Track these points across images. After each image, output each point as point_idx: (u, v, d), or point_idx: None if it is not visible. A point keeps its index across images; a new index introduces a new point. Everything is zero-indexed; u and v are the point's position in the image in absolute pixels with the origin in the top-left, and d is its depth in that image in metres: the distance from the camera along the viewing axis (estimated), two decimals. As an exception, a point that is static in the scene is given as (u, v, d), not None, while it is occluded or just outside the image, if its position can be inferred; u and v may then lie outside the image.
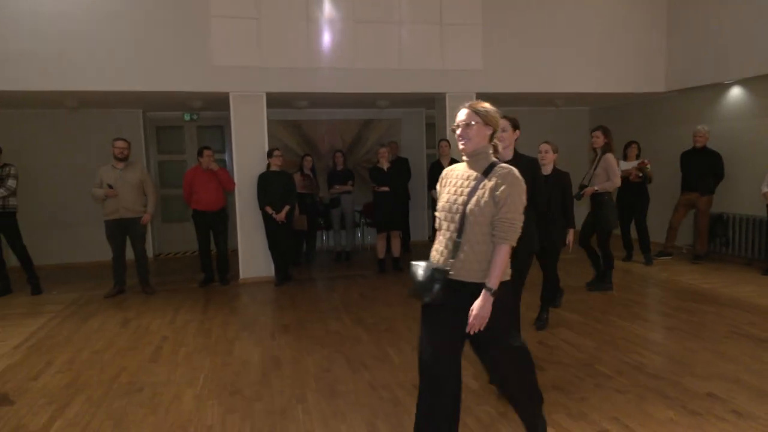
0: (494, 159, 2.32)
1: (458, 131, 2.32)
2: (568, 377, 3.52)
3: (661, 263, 7.00)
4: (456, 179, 2.37)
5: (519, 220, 2.21)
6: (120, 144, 5.95)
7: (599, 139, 5.59)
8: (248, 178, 6.52)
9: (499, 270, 2.20)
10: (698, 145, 6.91)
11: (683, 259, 7.19)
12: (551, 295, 4.63)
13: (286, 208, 6.36)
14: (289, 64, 6.48)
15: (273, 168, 6.39)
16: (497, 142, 2.38)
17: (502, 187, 2.20)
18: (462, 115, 2.32)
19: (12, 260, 6.52)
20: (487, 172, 2.26)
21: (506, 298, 2.29)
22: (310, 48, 6.54)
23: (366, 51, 6.67)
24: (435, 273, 2.27)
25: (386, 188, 6.57)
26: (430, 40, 6.87)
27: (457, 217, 2.27)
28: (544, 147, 4.57)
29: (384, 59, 6.74)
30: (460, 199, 2.28)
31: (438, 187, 2.46)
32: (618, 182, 5.57)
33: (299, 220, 7.08)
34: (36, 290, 6.20)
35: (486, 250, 2.23)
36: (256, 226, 6.57)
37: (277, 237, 6.44)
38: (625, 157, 7.08)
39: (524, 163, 3.20)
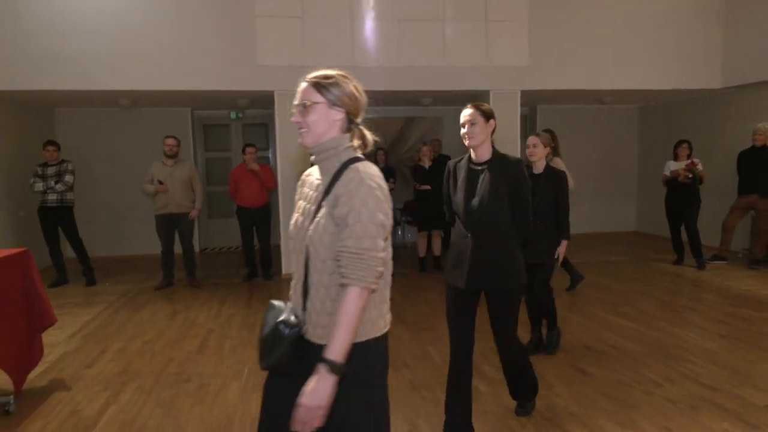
0: (353, 155, 1.59)
1: (295, 117, 1.61)
2: (615, 384, 3.42)
3: (715, 268, 6.69)
4: (309, 190, 1.68)
5: (373, 248, 1.45)
6: (170, 141, 6.14)
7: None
8: (292, 175, 6.61)
9: (346, 330, 1.43)
10: (758, 144, 6.56)
11: (739, 264, 6.85)
12: (542, 314, 3.95)
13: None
14: (333, 62, 6.40)
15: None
16: (365, 130, 1.64)
17: (342, 200, 1.49)
18: (298, 94, 1.60)
19: (68, 252, 6.83)
20: (334, 180, 1.55)
21: (371, 372, 1.54)
22: (353, 46, 6.57)
23: (410, 48, 6.65)
24: (281, 327, 1.57)
25: (428, 187, 6.55)
26: (475, 37, 6.78)
27: (303, 247, 1.59)
28: (532, 140, 3.70)
29: (428, 57, 6.70)
30: (306, 222, 1.61)
31: (296, 200, 1.78)
32: (573, 183, 5.37)
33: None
34: (91, 281, 6.48)
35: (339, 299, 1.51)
36: (298, 222, 6.65)
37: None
38: (676, 157, 6.80)
39: (506, 165, 2.60)
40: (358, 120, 1.63)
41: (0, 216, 6.44)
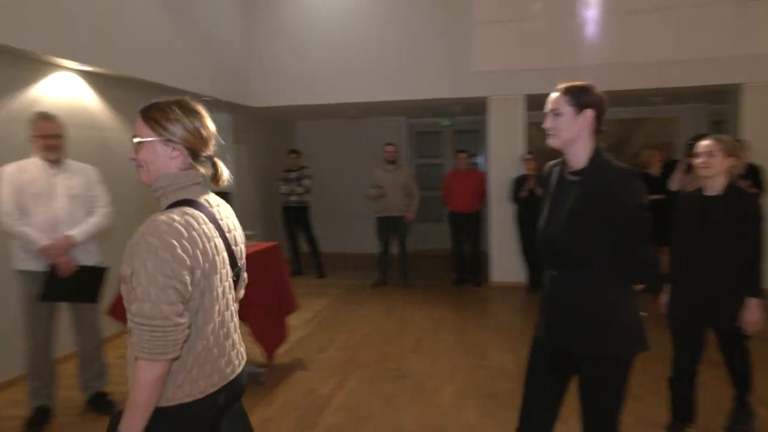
0: (182, 197, 1.45)
1: (130, 153, 1.50)
2: None
3: None
4: None
5: (155, 316, 1.29)
6: (390, 148, 6.59)
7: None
8: (502, 181, 6.52)
9: (135, 405, 1.32)
10: None
11: None
12: (745, 386, 2.87)
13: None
14: (550, 64, 6.25)
15: (527, 171, 6.27)
16: (219, 162, 1.54)
17: (126, 257, 1.35)
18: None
19: (303, 246, 7.81)
20: None
21: None
22: (572, 45, 6.20)
23: (637, 43, 6.02)
24: None
25: (659, 196, 5.82)
26: (721, 22, 5.83)
27: None
28: (708, 146, 2.58)
29: (661, 50, 5.98)
30: None
31: None
32: None
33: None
34: (321, 274, 7.31)
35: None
36: (509, 230, 6.54)
37: (531, 242, 6.30)
38: None
39: (606, 176, 1.80)
40: (207, 153, 1.48)
41: (253, 214, 7.64)
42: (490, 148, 6.73)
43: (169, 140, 1.42)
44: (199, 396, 1.42)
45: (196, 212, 1.41)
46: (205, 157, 1.48)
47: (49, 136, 3.00)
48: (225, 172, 1.52)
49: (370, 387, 3.66)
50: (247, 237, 3.92)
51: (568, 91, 1.83)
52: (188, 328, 1.35)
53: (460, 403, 3.38)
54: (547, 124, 1.88)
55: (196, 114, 1.46)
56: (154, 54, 4.87)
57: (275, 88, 6.93)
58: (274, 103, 7.02)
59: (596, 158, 1.83)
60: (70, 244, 2.98)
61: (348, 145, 9.12)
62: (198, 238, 1.37)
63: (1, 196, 2.91)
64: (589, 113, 1.81)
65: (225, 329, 1.49)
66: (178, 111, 1.43)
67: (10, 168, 2.98)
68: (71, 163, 3.16)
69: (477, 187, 6.54)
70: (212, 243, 1.42)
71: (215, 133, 1.51)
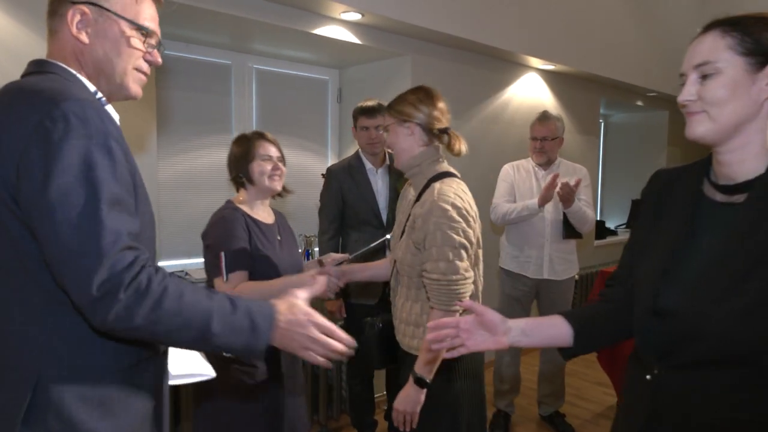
0: (438, 170, 1.64)
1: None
2: None
3: None
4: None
5: (449, 271, 1.52)
6: None
7: None
8: None
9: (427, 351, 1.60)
10: None
11: None
12: None
13: None
14: None
15: None
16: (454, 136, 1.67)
17: (420, 225, 1.59)
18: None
19: None
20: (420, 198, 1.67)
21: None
22: None
23: None
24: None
25: None
26: None
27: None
28: None
29: None
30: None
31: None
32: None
33: None
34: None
35: None
36: None
37: None
38: None
39: None
40: (440, 127, 1.61)
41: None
42: None
43: (404, 120, 1.59)
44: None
45: (461, 181, 1.59)
46: (438, 130, 1.59)
47: (540, 139, 2.87)
48: (459, 143, 1.60)
49: None
50: None
51: (736, 26, 0.95)
52: (473, 283, 1.52)
53: None
54: (686, 94, 1.01)
55: (428, 96, 1.60)
56: (611, 50, 4.48)
57: None
58: None
59: None
60: None
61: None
62: (471, 202, 1.55)
63: (498, 190, 2.96)
64: None
65: None
66: (410, 96, 1.61)
67: (509, 166, 2.99)
68: (564, 163, 2.96)
69: None
70: (475, 208, 1.58)
71: (447, 109, 1.63)
